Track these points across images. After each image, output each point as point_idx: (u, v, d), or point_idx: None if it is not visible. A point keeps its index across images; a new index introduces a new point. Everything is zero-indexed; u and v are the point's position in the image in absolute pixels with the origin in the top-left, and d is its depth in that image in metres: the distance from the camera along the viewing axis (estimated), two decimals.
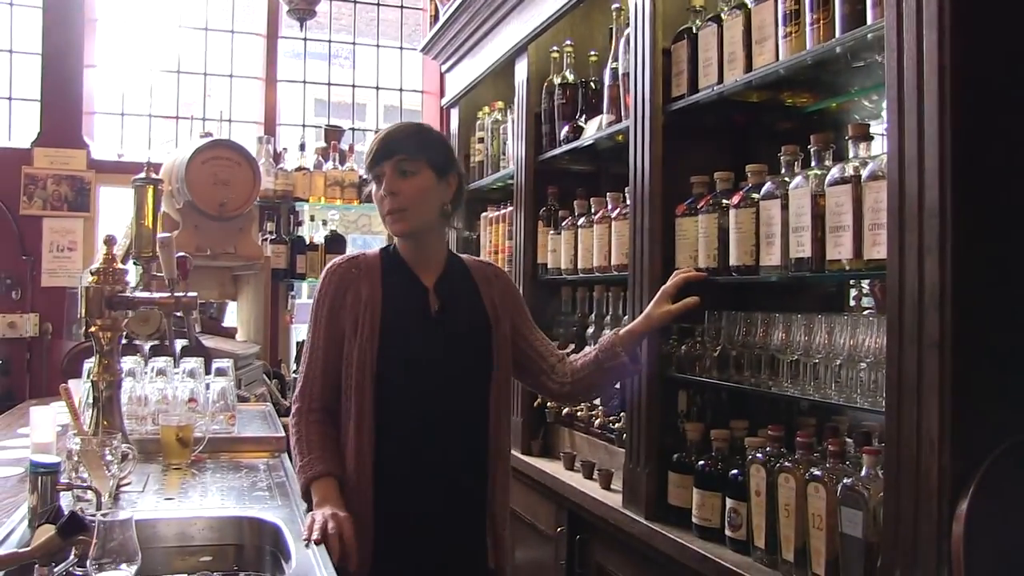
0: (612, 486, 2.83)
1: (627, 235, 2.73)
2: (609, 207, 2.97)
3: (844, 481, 1.90)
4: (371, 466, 2.18)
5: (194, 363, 2.87)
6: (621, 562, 2.67)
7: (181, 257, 2.41)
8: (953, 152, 1.59)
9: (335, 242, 4.97)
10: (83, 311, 2.26)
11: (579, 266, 3.15)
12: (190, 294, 2.38)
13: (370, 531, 2.14)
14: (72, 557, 1.57)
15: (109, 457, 2.05)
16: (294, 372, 4.63)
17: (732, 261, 2.27)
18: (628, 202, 2.75)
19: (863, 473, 1.87)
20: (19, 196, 4.95)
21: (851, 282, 2.53)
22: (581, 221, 3.15)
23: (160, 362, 2.85)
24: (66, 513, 1.57)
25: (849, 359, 1.94)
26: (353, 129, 5.84)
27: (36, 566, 1.53)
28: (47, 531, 1.56)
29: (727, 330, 2.37)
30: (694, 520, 2.37)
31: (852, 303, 2.61)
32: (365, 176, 4.95)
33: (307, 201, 4.96)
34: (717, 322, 2.41)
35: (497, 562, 2.30)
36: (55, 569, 1.54)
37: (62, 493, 1.86)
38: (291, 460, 2.67)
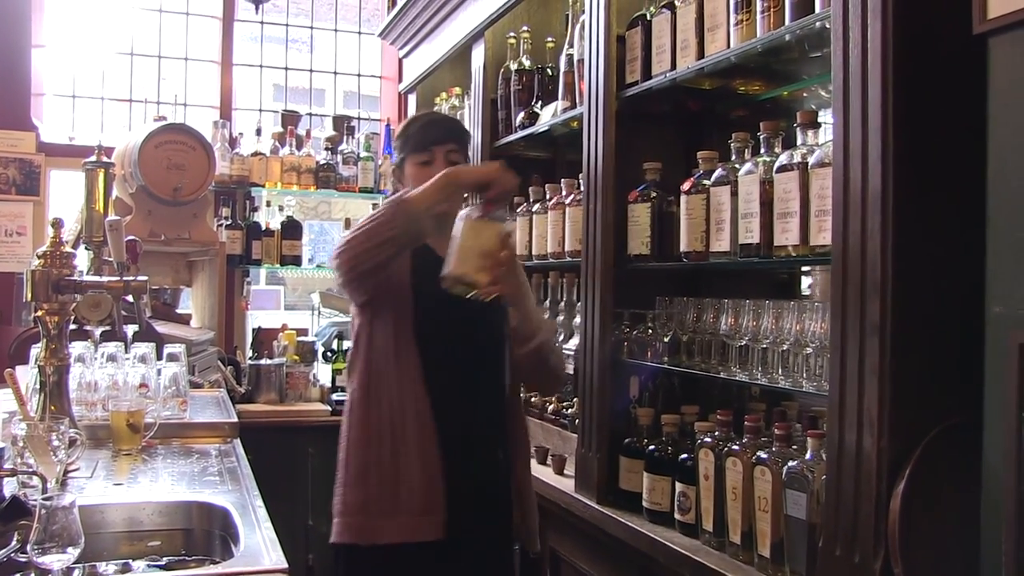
0: (565, 471, 2.85)
1: (580, 221, 2.75)
2: (563, 193, 2.98)
3: (789, 464, 1.93)
4: (432, 428, 2.19)
5: (145, 348, 2.84)
6: (573, 546, 2.70)
7: (131, 241, 2.39)
8: (896, 141, 1.61)
9: (291, 228, 4.93)
10: (29, 295, 2.23)
11: (534, 252, 3.16)
12: (140, 278, 2.36)
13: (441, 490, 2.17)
14: (15, 542, 1.56)
15: (56, 443, 2.03)
16: (250, 359, 4.59)
17: (683, 247, 2.29)
18: (582, 188, 2.76)
19: (808, 456, 1.90)
20: None
21: (803, 270, 2.57)
22: (536, 207, 3.16)
23: (111, 347, 2.82)
24: (7, 498, 1.56)
25: (796, 344, 1.98)
26: (311, 114, 5.79)
27: None
28: None
29: (678, 316, 2.39)
30: (645, 504, 2.39)
31: (806, 291, 2.65)
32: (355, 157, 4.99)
33: (263, 186, 4.90)
34: (668, 308, 2.44)
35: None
36: None
37: (6, 479, 1.84)
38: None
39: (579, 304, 2.78)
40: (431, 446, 2.16)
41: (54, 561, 1.37)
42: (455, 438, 2.19)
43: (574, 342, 2.86)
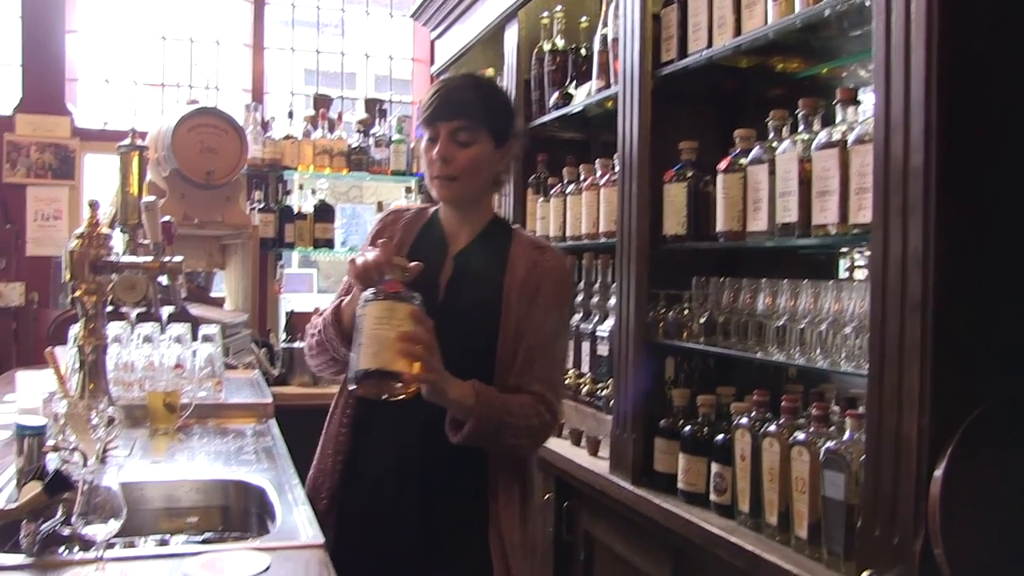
0: (600, 453, 2.84)
1: (615, 202, 2.73)
2: (598, 174, 2.96)
3: (827, 445, 1.91)
4: (341, 463, 2.01)
5: (180, 329, 2.86)
6: (608, 528, 2.69)
7: (166, 222, 2.40)
8: (939, 115, 1.59)
9: (324, 211, 4.95)
10: (68, 275, 2.25)
11: (568, 233, 3.15)
12: (175, 258, 2.37)
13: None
14: (59, 515, 1.58)
15: (95, 420, 2.05)
16: (283, 342, 4.62)
17: (719, 227, 2.27)
18: (616, 169, 2.75)
19: (846, 437, 1.88)
20: (2, 164, 4.91)
21: (842, 250, 2.54)
22: (570, 188, 3.15)
23: (146, 328, 2.85)
24: (51, 472, 1.57)
25: (834, 323, 1.95)
26: (342, 98, 5.80)
27: (24, 522, 1.54)
28: (33, 488, 1.56)
29: (714, 296, 2.37)
30: (680, 485, 2.38)
31: (844, 274, 2.62)
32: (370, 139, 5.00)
33: (296, 170, 4.92)
34: (704, 288, 2.42)
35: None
36: (42, 526, 1.55)
37: (49, 455, 1.86)
38: (276, 430, 2.69)
39: (614, 285, 2.76)
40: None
41: (97, 532, 1.38)
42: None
43: (609, 323, 2.85)
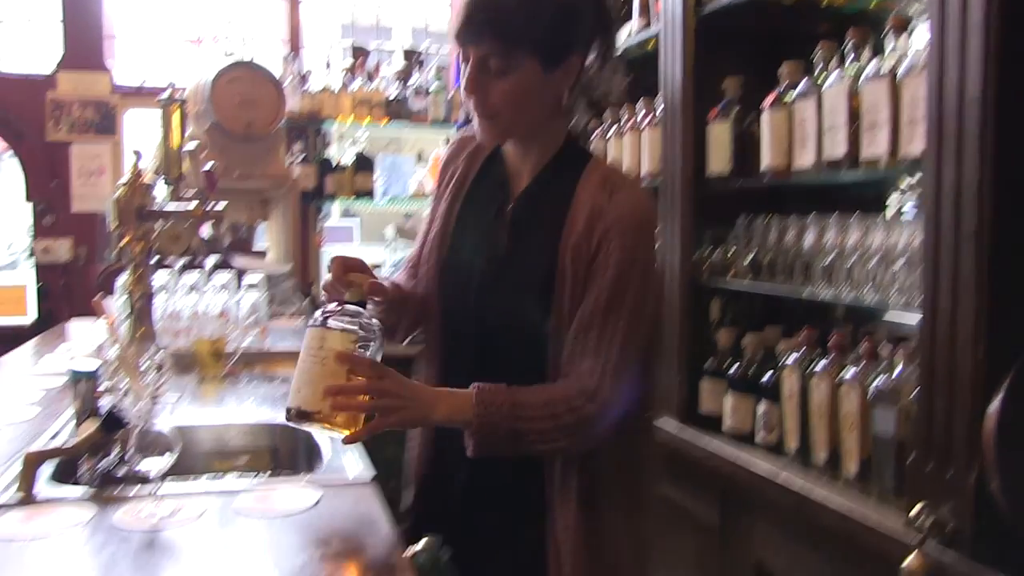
0: None
1: (658, 143, 2.70)
2: (639, 116, 2.92)
3: (877, 382, 1.89)
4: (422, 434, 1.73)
5: (225, 278, 2.89)
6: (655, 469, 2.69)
7: (208, 170, 2.41)
8: (997, 41, 1.54)
9: (363, 162, 4.94)
10: (114, 223, 2.27)
11: None
12: (218, 205, 2.38)
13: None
14: (114, 455, 1.60)
15: (145, 365, 2.08)
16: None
17: (765, 164, 2.24)
18: (659, 110, 2.71)
19: (896, 373, 1.86)
20: (45, 122, 4.95)
21: (890, 188, 2.49)
22: (611, 132, 3.11)
23: (192, 278, 2.88)
24: (105, 411, 1.60)
25: (884, 259, 1.92)
26: (379, 50, 5.76)
27: (82, 460, 1.57)
28: (89, 427, 1.59)
29: (759, 235, 2.34)
30: (726, 426, 2.37)
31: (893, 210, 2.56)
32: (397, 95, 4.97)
33: (335, 121, 4.92)
34: (749, 227, 2.39)
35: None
36: (99, 463, 1.58)
37: (101, 399, 1.89)
38: None
39: (658, 228, 2.73)
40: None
41: (151, 467, 1.40)
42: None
43: None
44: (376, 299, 1.54)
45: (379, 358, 1.47)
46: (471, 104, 1.55)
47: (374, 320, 1.48)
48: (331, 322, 1.45)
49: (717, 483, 2.35)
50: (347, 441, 1.44)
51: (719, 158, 2.42)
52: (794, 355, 2.16)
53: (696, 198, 2.53)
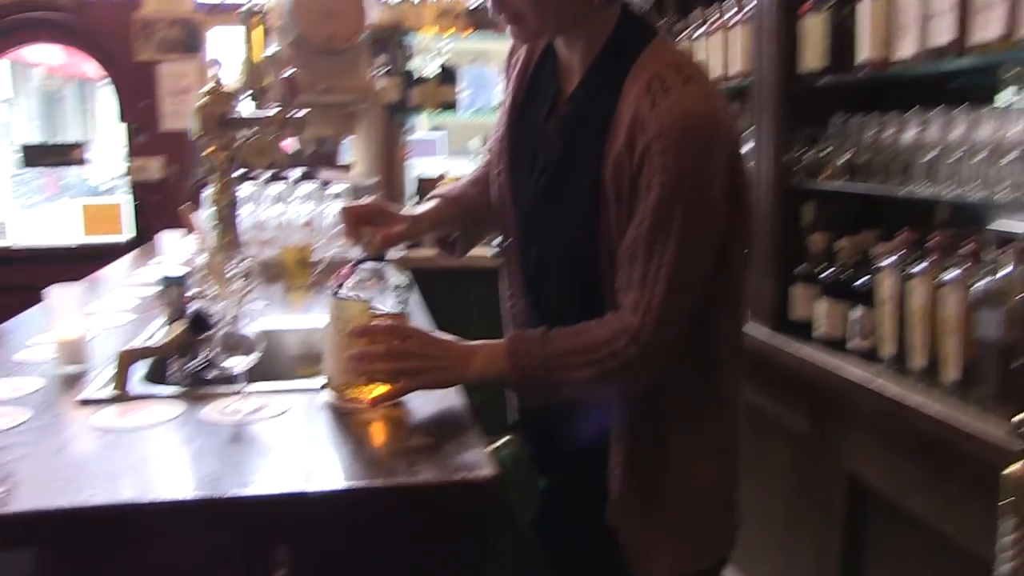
0: None
1: (747, 42, 2.58)
2: (727, 14, 2.80)
3: (980, 283, 1.80)
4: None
5: (310, 187, 2.90)
6: (745, 377, 2.63)
7: (289, 76, 2.39)
8: None
9: (447, 74, 4.89)
10: (197, 132, 2.28)
11: None
12: (299, 112, 2.37)
13: None
14: (201, 356, 1.63)
15: (232, 271, 2.11)
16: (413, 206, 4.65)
17: (861, 58, 2.12)
18: (748, 6, 2.59)
19: (1001, 274, 1.76)
20: (133, 42, 5.01)
21: (1000, 77, 2.34)
22: (698, 33, 2.99)
23: (277, 188, 2.89)
24: (193, 313, 1.63)
25: (993, 153, 1.80)
26: None
27: (172, 360, 1.61)
28: (178, 328, 1.62)
29: (855, 134, 2.24)
30: (818, 332, 2.30)
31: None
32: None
33: (417, 32, 4.86)
34: (844, 126, 2.28)
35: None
36: (188, 364, 1.61)
37: (192, 303, 1.93)
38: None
39: (748, 130, 2.64)
40: None
41: (235, 364, 1.42)
42: None
43: None
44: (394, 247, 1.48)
45: (407, 310, 1.44)
46: (493, 8, 1.38)
47: (395, 273, 1.44)
48: (342, 291, 1.42)
49: (808, 391, 2.30)
50: (373, 402, 1.42)
51: (813, 53, 2.30)
52: (891, 258, 2.07)
53: (788, 97, 2.42)
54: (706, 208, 1.29)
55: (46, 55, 8.82)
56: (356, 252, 1.49)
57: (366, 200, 1.55)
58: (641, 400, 1.38)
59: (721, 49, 2.81)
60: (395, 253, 1.45)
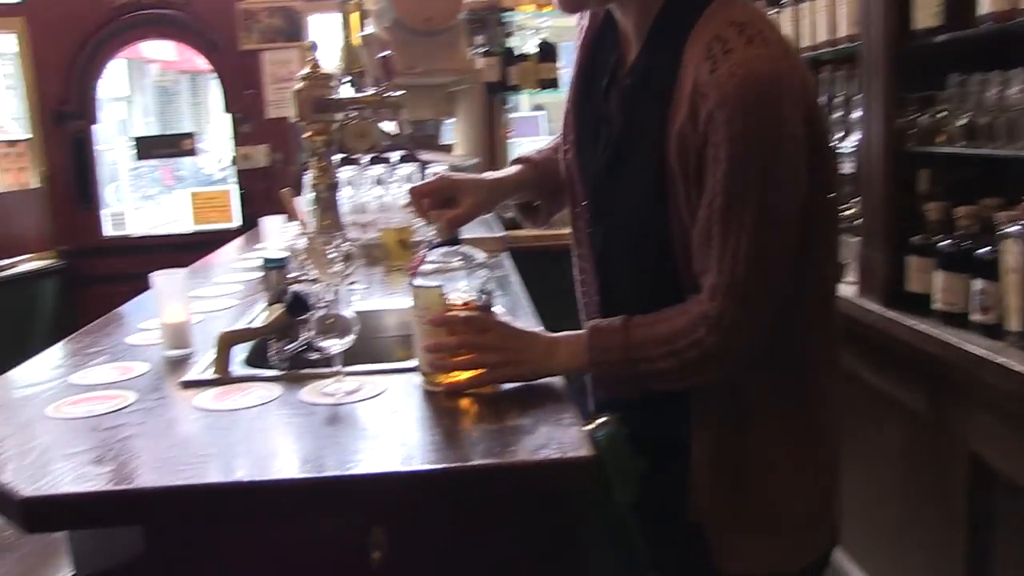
0: (846, 277, 2.66)
1: (854, 1, 2.46)
2: None
3: None
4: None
5: (410, 168, 2.90)
6: (858, 354, 2.53)
7: (385, 56, 2.38)
8: None
9: (547, 51, 4.84)
10: (296, 115, 2.30)
11: (804, 44, 2.89)
12: (396, 93, 2.37)
13: None
14: (302, 338, 1.64)
15: (333, 255, 2.12)
16: None
17: (983, 9, 1.99)
18: None
19: None
20: (238, 32, 5.12)
21: None
22: None
23: (377, 170, 2.91)
24: (292, 295, 1.64)
25: None
26: None
27: (272, 342, 1.62)
28: (277, 310, 1.63)
29: (975, 94, 2.11)
30: (936, 305, 2.19)
31: None
32: None
33: (515, 10, 4.83)
34: (963, 86, 2.15)
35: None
36: (287, 346, 1.62)
37: (291, 286, 1.95)
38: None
39: (857, 96, 2.52)
40: None
41: (333, 345, 1.42)
42: None
43: (854, 138, 2.61)
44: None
45: (483, 289, 1.40)
46: None
47: (474, 255, 1.40)
48: (416, 279, 1.40)
49: (925, 367, 2.19)
50: (448, 389, 1.40)
51: (927, 9, 2.17)
52: (1015, 226, 1.94)
53: (899, 58, 2.29)
54: (782, 177, 1.20)
55: (160, 51, 9.13)
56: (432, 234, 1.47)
57: (431, 178, 1.53)
58: (722, 388, 1.31)
59: (827, 11, 2.69)
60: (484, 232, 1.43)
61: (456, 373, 1.40)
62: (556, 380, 1.43)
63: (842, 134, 2.72)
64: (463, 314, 1.38)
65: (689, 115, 1.20)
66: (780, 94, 1.18)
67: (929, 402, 2.22)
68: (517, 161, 1.64)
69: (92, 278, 5.03)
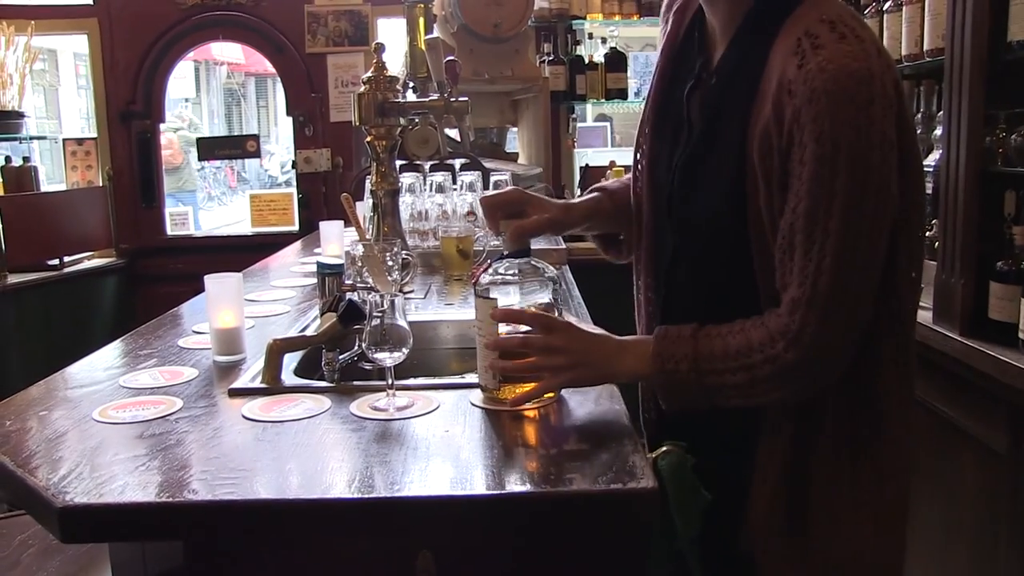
0: (921, 303, 2.54)
1: (943, 12, 2.35)
2: None
3: None
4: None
5: (472, 177, 2.85)
6: (929, 385, 2.42)
7: (450, 61, 2.34)
8: None
9: (615, 60, 4.76)
10: (357, 119, 2.26)
11: None
12: (461, 98, 2.32)
13: None
14: (355, 349, 1.60)
15: (390, 262, 2.07)
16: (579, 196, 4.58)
17: None
18: None
19: None
20: (304, 35, 5.13)
21: None
22: (888, 5, 2.77)
23: (439, 177, 2.86)
24: (344, 305, 1.59)
25: None
26: None
27: (324, 352, 1.58)
28: (329, 319, 1.59)
29: None
30: (1022, 335, 2.07)
31: None
32: None
33: (584, 19, 4.77)
34: None
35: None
36: (340, 356, 1.57)
37: (347, 294, 1.90)
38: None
39: (939, 114, 2.41)
40: None
41: (386, 357, 1.36)
42: None
43: (935, 156, 2.50)
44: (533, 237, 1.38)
45: (547, 306, 1.34)
46: None
47: (539, 268, 1.35)
48: (478, 291, 1.34)
49: (1007, 399, 2.06)
50: (514, 402, 1.33)
51: (1023, 21, 2.06)
52: None
53: (990, 72, 2.18)
54: (871, 182, 1.11)
55: (229, 53, 9.25)
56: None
57: (505, 189, 1.48)
58: (789, 419, 1.23)
59: (915, 22, 2.58)
60: (545, 244, 1.38)
61: (519, 385, 1.34)
62: (618, 405, 1.36)
63: (921, 149, 2.60)
64: (531, 310, 1.33)
65: (774, 113, 1.14)
66: (872, 94, 1.10)
67: (1011, 438, 2.10)
68: (595, 189, 1.58)
69: (153, 277, 5.07)
